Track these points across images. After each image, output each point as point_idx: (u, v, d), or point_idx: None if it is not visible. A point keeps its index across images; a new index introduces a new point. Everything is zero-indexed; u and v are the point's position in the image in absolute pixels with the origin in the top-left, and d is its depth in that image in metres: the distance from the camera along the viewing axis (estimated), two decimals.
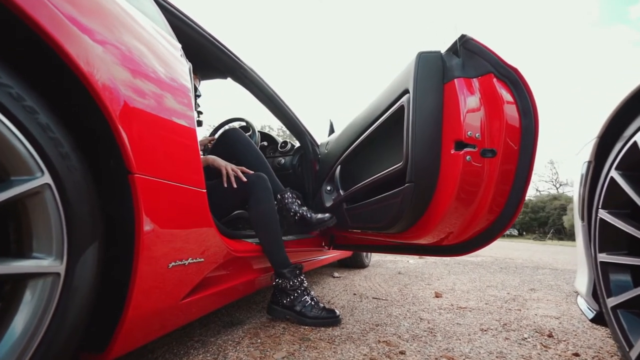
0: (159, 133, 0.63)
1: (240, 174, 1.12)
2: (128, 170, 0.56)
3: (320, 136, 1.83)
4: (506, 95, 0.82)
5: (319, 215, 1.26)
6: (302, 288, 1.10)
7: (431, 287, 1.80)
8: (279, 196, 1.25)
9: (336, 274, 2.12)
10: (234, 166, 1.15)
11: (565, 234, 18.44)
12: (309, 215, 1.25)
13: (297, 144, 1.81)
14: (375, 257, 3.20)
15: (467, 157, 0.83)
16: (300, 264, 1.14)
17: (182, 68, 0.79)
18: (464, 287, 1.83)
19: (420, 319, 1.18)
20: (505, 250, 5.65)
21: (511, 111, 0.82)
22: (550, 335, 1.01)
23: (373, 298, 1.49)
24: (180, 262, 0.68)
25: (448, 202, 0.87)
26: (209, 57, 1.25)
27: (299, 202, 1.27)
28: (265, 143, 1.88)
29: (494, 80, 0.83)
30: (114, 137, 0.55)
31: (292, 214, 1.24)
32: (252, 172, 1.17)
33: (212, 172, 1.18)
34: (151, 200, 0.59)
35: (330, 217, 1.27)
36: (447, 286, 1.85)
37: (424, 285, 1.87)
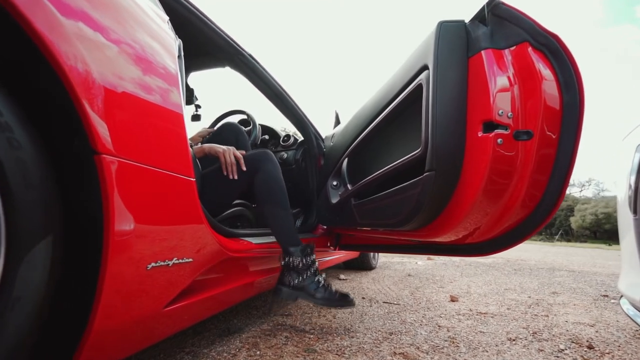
0: (134, 109, 0.53)
1: (242, 161, 1.00)
2: (93, 150, 0.46)
3: (325, 131, 1.72)
4: (544, 67, 0.70)
5: (331, 297, 0.98)
6: (315, 268, 0.99)
7: (445, 290, 1.68)
8: (292, 250, 0.98)
9: (342, 277, 2.00)
10: (234, 150, 1.01)
11: (572, 235, 18.12)
12: (325, 294, 0.98)
13: (300, 138, 1.71)
14: (381, 259, 3.08)
15: (499, 140, 0.71)
16: (311, 243, 1.03)
17: (169, 42, 0.68)
18: (480, 291, 1.71)
19: (439, 326, 1.06)
20: (515, 251, 5.49)
21: (550, 85, 0.70)
22: (590, 347, 0.89)
23: (384, 302, 1.37)
24: (162, 263, 0.58)
25: (475, 193, 0.75)
26: (205, 43, 1.15)
27: (316, 265, 1.02)
28: (266, 137, 1.78)
29: (530, 50, 0.71)
30: (74, 108, 0.44)
31: (300, 281, 0.97)
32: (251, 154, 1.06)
33: (210, 164, 1.07)
34: (124, 187, 0.49)
35: (344, 302, 1.00)
36: (461, 289, 1.73)
37: (436, 288, 1.75)
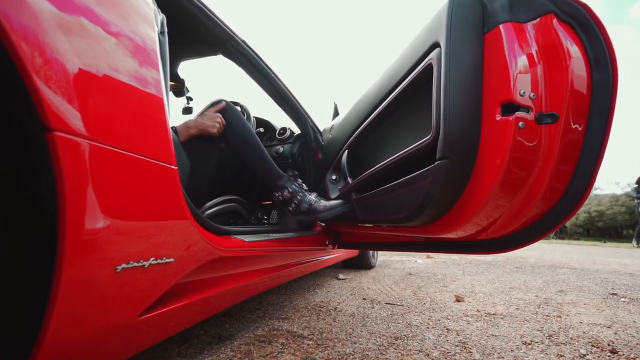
0: (100, 82, 0.44)
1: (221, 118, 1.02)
2: (45, 126, 0.37)
3: (324, 125, 1.64)
4: (571, 42, 0.63)
5: (329, 203, 1.06)
6: (304, 189, 1.08)
7: (448, 290, 1.61)
8: (279, 183, 1.06)
9: (341, 276, 1.93)
10: (220, 117, 1.02)
11: (566, 232, 18.30)
12: (320, 204, 1.06)
13: (297, 131, 1.62)
14: (380, 257, 3.01)
15: (520, 124, 0.63)
16: (293, 171, 1.13)
17: (146, 10, 0.60)
18: (484, 290, 1.64)
19: (447, 329, 0.98)
20: None
21: (578, 62, 0.63)
22: (614, 351, 0.82)
23: (386, 304, 1.29)
24: (136, 264, 0.49)
25: (492, 183, 0.68)
26: (195, 28, 1.06)
27: (304, 187, 1.11)
28: (261, 130, 1.69)
29: (555, 22, 0.63)
30: (19, 72, 0.36)
31: (296, 204, 1.05)
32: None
33: (199, 153, 0.99)
34: (85, 171, 0.40)
35: (342, 202, 1.08)
36: (465, 288, 1.66)
37: (439, 287, 1.68)
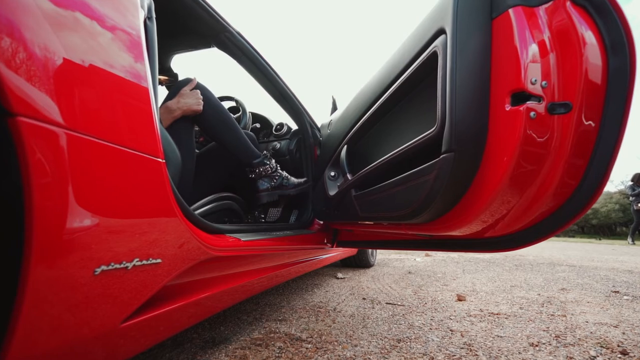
0: (73, 65, 0.40)
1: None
2: (6, 110, 0.33)
3: (322, 121, 1.59)
4: (586, 26, 0.59)
5: (297, 180, 1.22)
6: (278, 166, 1.18)
7: (449, 289, 1.58)
8: (256, 161, 1.11)
9: (340, 275, 1.89)
10: (198, 92, 0.98)
11: None
12: (291, 180, 1.20)
13: (294, 127, 1.58)
14: (379, 256, 2.98)
15: (531, 114, 0.60)
16: (268, 151, 1.28)
17: None
18: (485, 288, 1.61)
19: (451, 330, 0.95)
20: None
21: (593, 48, 0.59)
22: (624, 353, 0.79)
23: (387, 304, 1.26)
24: (117, 266, 0.45)
25: (501, 177, 0.64)
26: (188, 18, 1.01)
27: (278, 165, 1.20)
28: (257, 125, 1.64)
29: (568, 5, 0.60)
30: None
31: (270, 180, 1.15)
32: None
33: (186, 136, 0.95)
34: (54, 163, 0.36)
35: (306, 180, 1.26)
36: (466, 287, 1.63)
37: (440, 286, 1.65)
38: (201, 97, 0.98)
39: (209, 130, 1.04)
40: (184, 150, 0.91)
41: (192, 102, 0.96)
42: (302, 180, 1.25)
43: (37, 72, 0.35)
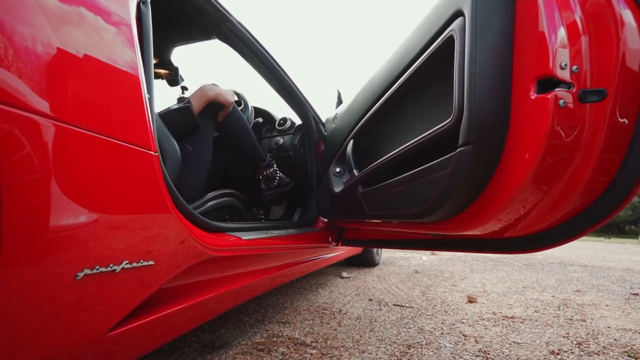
0: (52, 49, 0.35)
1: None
2: None
3: (326, 116, 1.54)
4: (623, 4, 0.53)
5: (288, 179, 1.33)
6: (276, 166, 1.29)
7: (458, 289, 1.52)
8: (264, 164, 1.23)
9: (345, 274, 1.84)
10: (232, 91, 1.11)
11: None
12: (285, 179, 1.31)
13: (298, 122, 1.53)
14: (384, 254, 2.92)
15: (560, 102, 0.54)
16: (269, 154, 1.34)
17: None
18: (496, 289, 1.55)
19: (464, 335, 0.90)
20: None
21: (631, 29, 0.53)
22: None
23: (394, 305, 1.21)
24: (103, 270, 0.40)
25: (524, 173, 0.58)
26: (188, 8, 0.97)
27: (277, 167, 1.30)
28: (260, 120, 1.60)
29: None
30: None
31: (273, 181, 1.27)
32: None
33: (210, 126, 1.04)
34: (26, 154, 0.31)
35: (291, 180, 1.35)
36: (476, 288, 1.57)
37: (449, 286, 1.59)
38: (232, 95, 1.08)
39: (231, 133, 1.13)
40: (203, 144, 0.99)
41: (226, 91, 1.05)
42: (290, 179, 1.37)
43: (6, 55, 0.31)
